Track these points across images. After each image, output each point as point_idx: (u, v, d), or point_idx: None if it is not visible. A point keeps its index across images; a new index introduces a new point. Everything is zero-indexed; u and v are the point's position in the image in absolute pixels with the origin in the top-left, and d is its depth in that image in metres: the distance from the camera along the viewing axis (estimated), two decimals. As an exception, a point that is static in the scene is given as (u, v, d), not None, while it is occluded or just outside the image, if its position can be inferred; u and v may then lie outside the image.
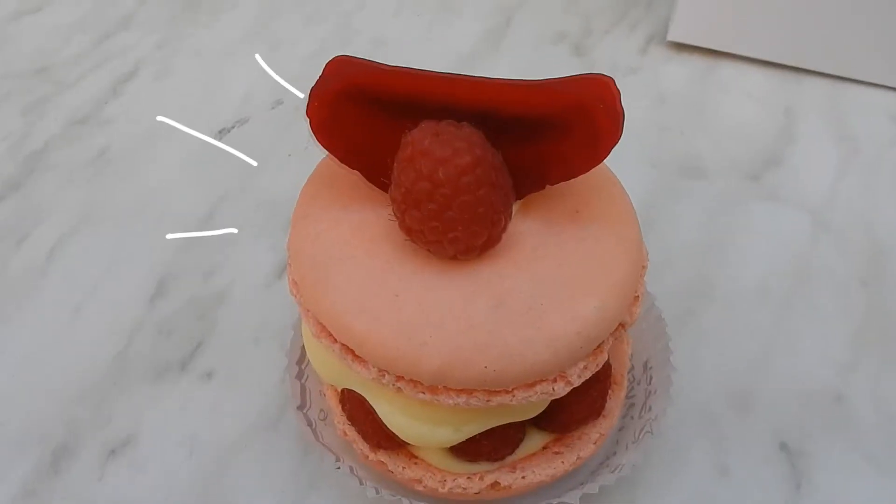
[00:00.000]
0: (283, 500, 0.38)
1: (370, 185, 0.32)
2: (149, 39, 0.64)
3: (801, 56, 0.61)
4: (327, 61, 0.30)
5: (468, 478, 0.35)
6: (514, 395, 0.31)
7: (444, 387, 0.30)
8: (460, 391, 0.30)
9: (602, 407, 0.35)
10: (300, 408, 0.38)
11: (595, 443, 0.36)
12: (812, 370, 0.42)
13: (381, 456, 0.36)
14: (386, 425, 0.33)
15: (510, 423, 0.33)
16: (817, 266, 0.47)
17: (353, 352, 0.31)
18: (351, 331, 0.30)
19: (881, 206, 0.51)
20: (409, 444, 0.34)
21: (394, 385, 0.31)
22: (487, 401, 0.30)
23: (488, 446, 0.34)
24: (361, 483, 0.35)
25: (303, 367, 0.40)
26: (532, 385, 0.31)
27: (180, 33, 0.65)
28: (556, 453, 0.36)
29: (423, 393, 0.31)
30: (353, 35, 0.65)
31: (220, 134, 0.56)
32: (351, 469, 0.36)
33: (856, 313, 0.45)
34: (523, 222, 0.31)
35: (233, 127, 0.57)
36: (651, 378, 0.40)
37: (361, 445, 0.36)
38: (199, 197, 0.52)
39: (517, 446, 0.34)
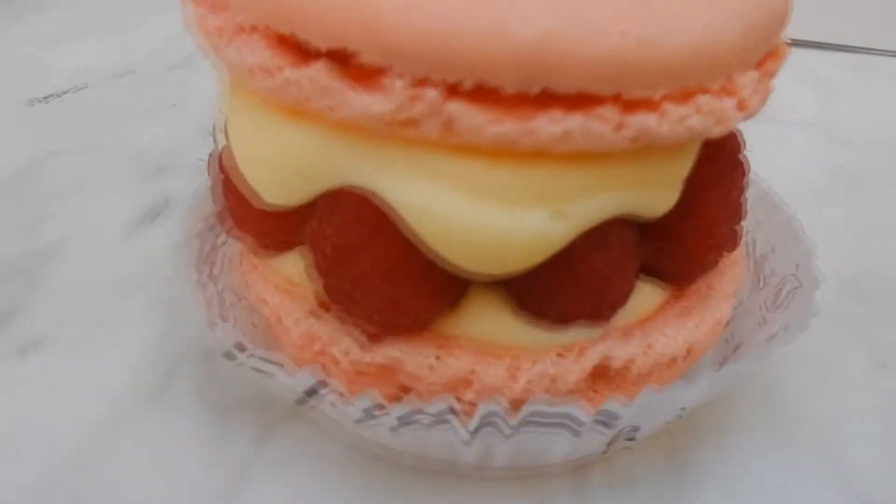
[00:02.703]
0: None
1: None
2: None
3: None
4: None
5: (559, 355, 0.19)
6: (662, 115, 0.16)
7: (546, 90, 0.16)
8: (574, 104, 0.16)
9: (738, 239, 0.22)
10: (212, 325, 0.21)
11: (730, 299, 0.22)
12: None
13: (394, 348, 0.19)
14: (426, 244, 0.17)
15: (605, 250, 0.18)
16: None
17: (353, 63, 0.16)
18: (359, 2, 0.15)
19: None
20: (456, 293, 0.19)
21: (440, 112, 0.16)
22: (619, 127, 0.16)
23: (582, 289, 0.18)
24: (374, 414, 0.18)
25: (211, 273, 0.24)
26: (689, 96, 0.17)
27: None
28: (686, 309, 0.21)
29: (499, 122, 0.16)
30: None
31: (46, 100, 0.41)
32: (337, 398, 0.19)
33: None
34: None
35: (63, 93, 0.41)
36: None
37: (349, 344, 0.19)
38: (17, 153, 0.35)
39: (628, 287, 0.19)
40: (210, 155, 0.22)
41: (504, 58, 0.15)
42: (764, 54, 0.19)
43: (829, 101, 0.45)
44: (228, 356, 0.20)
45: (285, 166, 0.18)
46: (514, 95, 0.16)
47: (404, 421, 0.18)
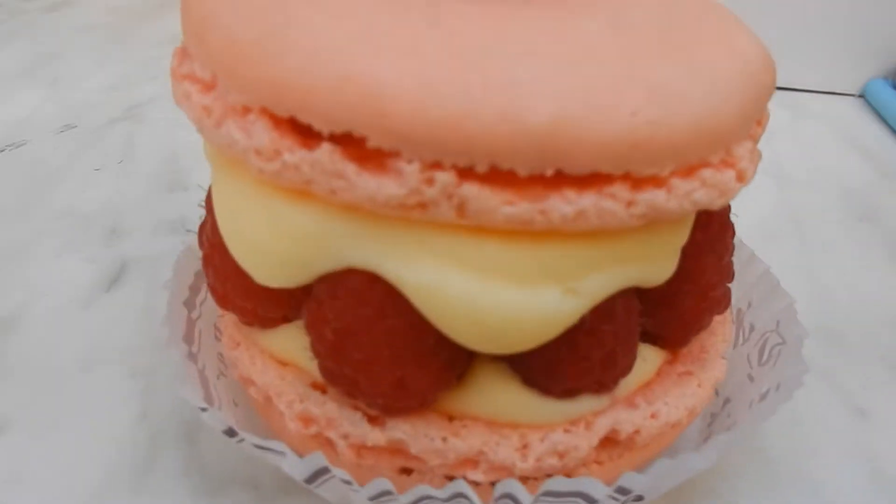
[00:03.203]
0: None
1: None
2: None
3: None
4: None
5: (566, 430, 0.19)
6: (670, 190, 0.16)
7: (559, 172, 0.15)
8: (586, 183, 0.16)
9: (729, 300, 0.22)
10: (205, 407, 0.20)
11: (723, 358, 0.22)
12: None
13: (398, 429, 0.18)
14: (435, 325, 0.17)
15: (611, 322, 0.18)
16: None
17: (360, 147, 0.15)
18: (363, 84, 0.15)
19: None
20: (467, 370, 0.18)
21: (453, 195, 0.15)
22: (629, 205, 0.16)
23: (590, 363, 0.18)
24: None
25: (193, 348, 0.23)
26: (693, 170, 0.17)
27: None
28: (686, 374, 0.21)
29: (513, 204, 0.16)
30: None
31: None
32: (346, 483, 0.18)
33: None
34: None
35: (3, 149, 0.39)
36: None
37: (350, 427, 0.19)
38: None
39: (632, 358, 0.19)
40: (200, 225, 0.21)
41: (518, 142, 0.15)
42: (756, 117, 0.19)
43: (767, 141, 0.47)
44: (229, 433, 0.19)
45: (281, 249, 0.17)
46: (527, 177, 0.16)
47: (416, 502, 0.18)
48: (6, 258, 0.31)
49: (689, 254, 0.19)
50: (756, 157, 0.19)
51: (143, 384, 0.25)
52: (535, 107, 0.15)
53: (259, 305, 0.20)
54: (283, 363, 0.20)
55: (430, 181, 0.15)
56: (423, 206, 0.16)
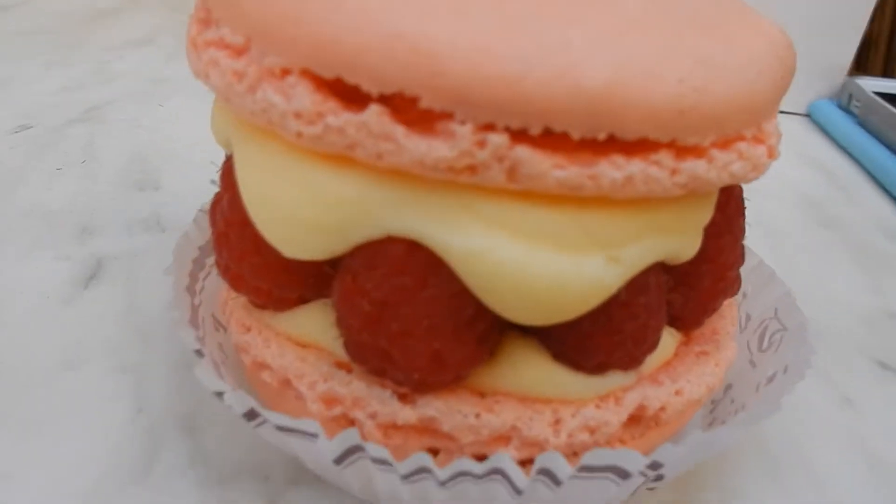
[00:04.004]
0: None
1: None
2: None
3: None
4: None
5: (598, 406, 0.19)
6: (711, 160, 0.17)
7: (611, 137, 0.15)
8: (634, 149, 0.16)
9: (740, 283, 0.22)
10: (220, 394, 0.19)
11: (734, 340, 0.22)
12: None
13: (429, 406, 0.18)
14: (477, 294, 0.16)
15: (645, 295, 0.18)
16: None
17: (410, 108, 0.15)
18: (416, 44, 0.15)
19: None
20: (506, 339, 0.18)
21: (505, 158, 0.15)
22: (673, 172, 0.16)
23: (622, 336, 0.18)
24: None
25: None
26: (730, 142, 0.17)
27: None
28: (702, 353, 0.21)
29: (563, 167, 0.15)
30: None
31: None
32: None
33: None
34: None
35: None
36: None
37: (379, 405, 0.18)
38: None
39: (660, 333, 0.19)
40: (212, 202, 0.21)
41: (573, 104, 0.15)
42: (778, 98, 0.19)
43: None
44: (249, 415, 0.18)
45: (317, 217, 0.17)
46: (579, 141, 0.16)
47: (453, 478, 0.17)
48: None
49: (710, 233, 0.19)
50: (779, 135, 0.19)
51: (134, 379, 0.24)
52: (590, 70, 0.15)
53: (276, 285, 0.19)
54: (303, 345, 0.20)
55: (482, 143, 0.15)
56: (473, 169, 0.16)
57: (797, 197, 0.44)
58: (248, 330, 0.21)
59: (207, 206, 0.26)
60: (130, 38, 0.58)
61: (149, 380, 0.24)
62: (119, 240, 0.31)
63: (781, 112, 0.57)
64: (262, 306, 0.21)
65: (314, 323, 0.20)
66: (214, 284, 0.25)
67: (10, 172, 0.36)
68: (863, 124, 0.53)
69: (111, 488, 0.21)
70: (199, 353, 0.20)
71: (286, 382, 0.20)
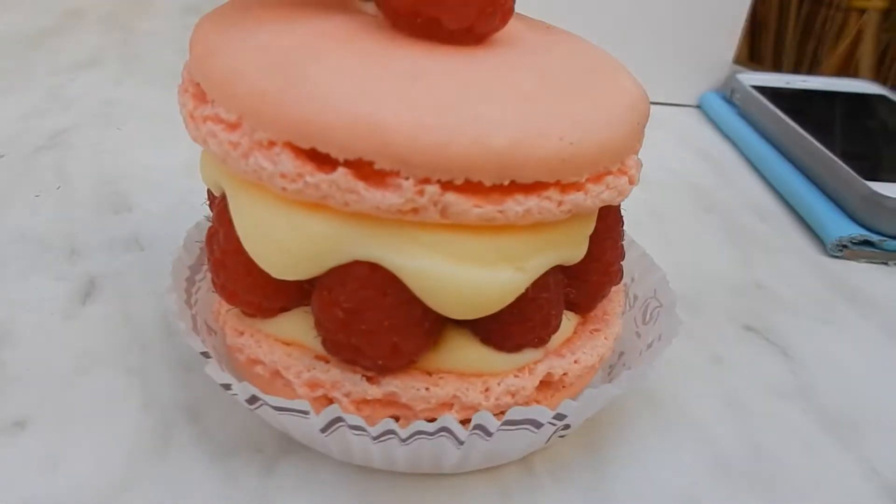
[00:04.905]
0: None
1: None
2: None
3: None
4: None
5: (515, 375, 0.25)
6: (586, 192, 0.23)
7: (513, 182, 0.22)
8: (530, 190, 0.22)
9: (621, 272, 0.29)
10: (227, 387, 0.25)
11: (620, 318, 0.29)
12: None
13: (391, 385, 0.24)
14: (423, 299, 0.22)
15: (546, 291, 0.24)
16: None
17: (368, 169, 0.21)
18: (369, 123, 0.21)
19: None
20: (436, 344, 0.24)
21: (438, 202, 0.21)
22: (559, 203, 0.22)
23: (532, 323, 0.25)
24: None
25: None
26: (601, 177, 0.24)
27: None
28: (595, 331, 0.28)
29: (480, 206, 0.22)
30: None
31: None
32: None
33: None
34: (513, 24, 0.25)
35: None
36: None
37: (352, 386, 0.24)
38: None
39: (560, 319, 0.26)
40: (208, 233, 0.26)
41: (486, 161, 0.21)
42: (636, 140, 0.26)
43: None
44: (251, 401, 0.24)
45: (301, 249, 0.23)
46: (490, 186, 0.22)
47: (412, 436, 0.24)
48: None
49: (594, 240, 0.26)
50: (639, 166, 0.26)
51: (138, 380, 0.29)
52: (496, 136, 0.21)
53: (265, 298, 0.25)
54: (287, 343, 0.25)
55: (421, 192, 0.21)
56: (415, 210, 0.21)
57: (686, 185, 0.52)
58: (241, 334, 0.26)
59: (191, 230, 0.31)
60: (75, 60, 0.61)
61: (151, 379, 0.30)
62: (105, 259, 0.36)
63: (674, 105, 0.64)
64: (251, 315, 0.26)
65: (296, 326, 0.25)
66: (203, 297, 0.30)
67: (-7, 201, 0.40)
68: (743, 115, 0.60)
69: (139, 467, 0.26)
70: (205, 354, 0.26)
71: (276, 373, 0.25)
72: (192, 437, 0.27)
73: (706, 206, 0.49)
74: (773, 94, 0.59)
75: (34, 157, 0.45)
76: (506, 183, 0.22)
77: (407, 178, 0.21)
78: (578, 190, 0.23)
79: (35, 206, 0.40)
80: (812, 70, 0.84)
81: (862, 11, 0.81)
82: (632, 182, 0.25)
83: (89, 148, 0.47)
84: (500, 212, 0.22)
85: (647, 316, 0.31)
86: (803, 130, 0.52)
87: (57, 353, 0.30)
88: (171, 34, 0.71)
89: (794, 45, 0.87)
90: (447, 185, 0.21)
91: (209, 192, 0.28)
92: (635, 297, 0.33)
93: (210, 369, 0.25)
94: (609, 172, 0.24)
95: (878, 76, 0.81)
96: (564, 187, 0.23)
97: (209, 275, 0.31)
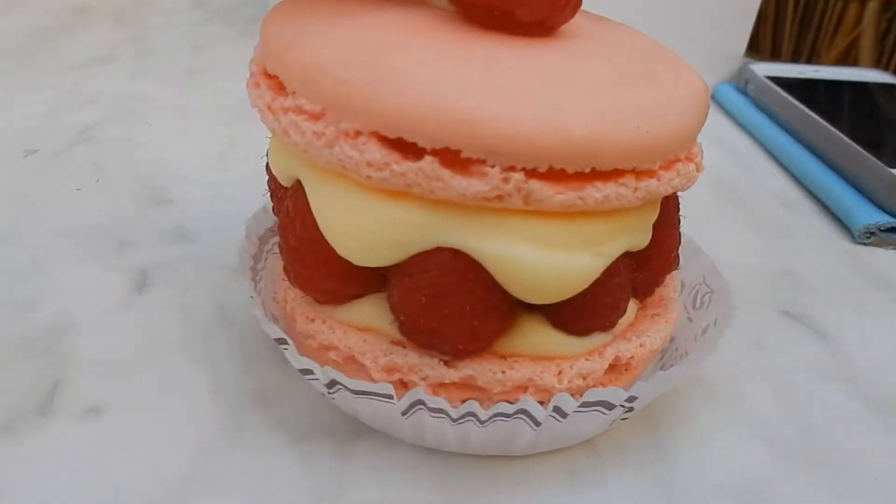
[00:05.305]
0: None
1: None
2: None
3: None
4: None
5: (587, 359, 0.26)
6: (659, 179, 0.24)
7: (592, 169, 0.22)
8: (608, 177, 0.23)
9: (678, 258, 0.29)
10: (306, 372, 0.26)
11: (677, 303, 0.30)
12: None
13: (468, 368, 0.25)
14: (504, 284, 0.23)
15: (617, 276, 0.25)
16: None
17: (455, 158, 0.22)
18: (458, 113, 0.21)
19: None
20: (512, 327, 0.25)
21: (522, 189, 0.22)
22: (635, 190, 0.23)
23: (603, 307, 0.25)
24: None
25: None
26: (671, 164, 0.24)
27: None
28: (655, 315, 0.29)
29: (562, 193, 0.22)
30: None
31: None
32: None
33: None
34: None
35: (-25, 176, 0.41)
36: None
37: (430, 370, 0.25)
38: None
39: (627, 303, 0.26)
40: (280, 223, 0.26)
41: (568, 150, 0.22)
42: (698, 129, 0.26)
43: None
44: (330, 385, 0.25)
45: (383, 237, 0.23)
46: (572, 174, 0.22)
47: (490, 418, 0.24)
48: (29, 274, 0.34)
49: (656, 226, 0.27)
50: (702, 153, 0.27)
51: (205, 367, 0.30)
52: (578, 126, 0.22)
53: (340, 285, 0.26)
54: (361, 329, 0.26)
55: (506, 180, 0.22)
56: (499, 197, 0.22)
57: (705, 175, 0.52)
58: (312, 321, 0.27)
59: (249, 221, 0.32)
60: (91, 56, 0.61)
61: (217, 366, 0.30)
62: (154, 251, 0.37)
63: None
64: (324, 302, 0.27)
65: (371, 312, 0.26)
66: (263, 286, 0.31)
67: (32, 195, 0.41)
68: (758, 106, 0.61)
69: (215, 451, 0.26)
70: (281, 341, 0.26)
71: (351, 359, 0.26)
72: (264, 422, 0.28)
73: (728, 195, 0.50)
74: (789, 84, 0.60)
75: (68, 152, 0.45)
76: (586, 170, 0.22)
77: (493, 166, 0.22)
78: (651, 177, 0.24)
79: (76, 199, 0.41)
80: (811, 60, 0.85)
81: (861, 1, 0.82)
82: (698, 169, 0.26)
83: (120, 142, 0.47)
84: (581, 198, 0.22)
85: (698, 301, 0.32)
86: (823, 119, 0.53)
87: (121, 341, 0.31)
88: (181, 29, 0.71)
89: (792, 35, 0.88)
90: (531, 173, 0.22)
91: (271, 182, 0.29)
92: (682, 284, 0.33)
93: (290, 355, 0.25)
94: (678, 160, 0.25)
95: (878, 67, 0.83)
96: (639, 174, 0.23)
97: (268, 264, 0.32)
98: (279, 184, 0.28)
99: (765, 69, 0.63)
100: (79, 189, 0.41)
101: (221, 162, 0.46)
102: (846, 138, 0.50)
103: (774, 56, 0.87)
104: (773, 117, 0.59)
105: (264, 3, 0.76)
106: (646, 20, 0.65)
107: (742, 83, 0.64)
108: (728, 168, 0.54)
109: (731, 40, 0.66)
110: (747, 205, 0.49)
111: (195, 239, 0.38)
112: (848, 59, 0.84)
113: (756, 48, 0.88)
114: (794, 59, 0.86)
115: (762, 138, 0.58)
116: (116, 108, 0.52)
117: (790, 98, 0.57)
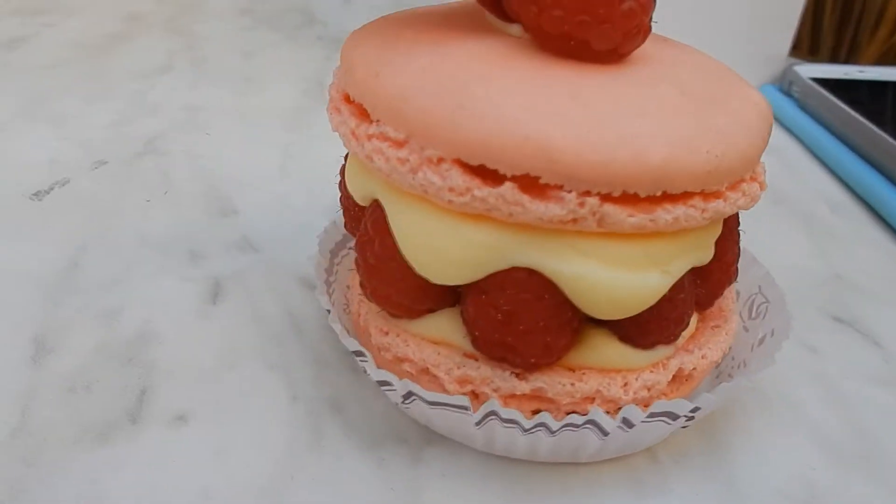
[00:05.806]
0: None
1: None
2: None
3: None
4: None
5: (651, 371, 0.27)
6: (725, 199, 0.25)
7: (664, 193, 0.23)
8: (678, 199, 0.24)
9: (737, 271, 0.30)
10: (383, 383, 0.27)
11: (736, 314, 0.31)
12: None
13: (538, 380, 0.26)
14: (576, 302, 0.24)
15: (682, 292, 0.26)
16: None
17: (533, 183, 0.23)
18: (539, 142, 0.22)
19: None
20: (580, 346, 0.26)
21: (597, 213, 0.23)
22: (703, 211, 0.24)
23: (668, 322, 0.26)
24: None
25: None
26: (737, 185, 0.25)
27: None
28: (715, 327, 0.30)
29: (633, 216, 0.23)
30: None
31: (37, 196, 0.43)
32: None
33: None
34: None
35: (51, 189, 0.43)
36: None
37: (501, 382, 0.26)
38: (50, 253, 0.38)
39: (691, 317, 0.27)
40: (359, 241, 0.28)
41: (642, 175, 0.23)
42: (762, 150, 0.27)
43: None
44: (407, 396, 0.26)
45: (465, 256, 0.24)
46: (644, 198, 0.23)
47: (560, 429, 0.25)
48: (111, 284, 0.36)
49: (718, 241, 0.28)
50: (765, 171, 0.28)
51: (283, 374, 0.31)
52: (653, 151, 0.23)
53: (415, 301, 0.27)
54: (435, 342, 0.27)
55: (582, 204, 0.23)
56: (575, 220, 0.23)
57: (754, 179, 0.53)
58: (386, 334, 0.28)
59: (321, 235, 0.33)
60: (149, 66, 0.63)
61: (293, 374, 0.32)
62: (224, 261, 0.38)
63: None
64: (398, 316, 0.28)
65: (444, 326, 0.27)
66: (335, 298, 0.32)
67: (105, 207, 0.42)
68: (803, 108, 0.62)
69: (299, 456, 0.28)
70: (360, 353, 0.28)
71: (424, 370, 0.27)
72: (340, 429, 0.29)
73: (774, 198, 0.51)
74: (834, 85, 0.60)
75: (136, 163, 0.47)
76: (658, 194, 0.23)
77: (570, 192, 0.23)
78: (718, 198, 0.25)
79: (148, 210, 0.42)
80: (851, 57, 0.85)
81: (903, -5, 0.82)
82: (762, 188, 0.26)
83: (184, 153, 0.49)
84: (651, 220, 0.24)
85: (754, 311, 0.33)
86: (869, 122, 0.53)
87: (201, 350, 0.32)
88: (231, 36, 0.72)
89: (832, 31, 0.88)
90: (606, 197, 0.23)
91: (345, 201, 0.30)
92: (738, 294, 0.34)
93: (369, 367, 0.27)
94: (743, 180, 0.26)
95: (921, 61, 0.82)
96: (707, 196, 0.24)
97: (338, 276, 0.33)
98: (354, 202, 0.29)
99: (809, 70, 0.64)
100: (148, 200, 0.43)
101: (283, 172, 0.48)
102: (891, 140, 0.50)
103: (813, 51, 0.87)
104: (818, 119, 0.59)
105: (310, 11, 0.78)
106: (689, 22, 0.65)
107: (786, 85, 0.65)
108: (773, 171, 0.54)
109: (775, 42, 0.67)
110: (793, 207, 0.50)
111: (261, 249, 0.39)
112: (890, 53, 0.84)
113: (795, 43, 0.87)
114: (834, 53, 0.85)
115: (807, 141, 0.58)
116: (178, 119, 0.54)
117: (836, 100, 0.57)
